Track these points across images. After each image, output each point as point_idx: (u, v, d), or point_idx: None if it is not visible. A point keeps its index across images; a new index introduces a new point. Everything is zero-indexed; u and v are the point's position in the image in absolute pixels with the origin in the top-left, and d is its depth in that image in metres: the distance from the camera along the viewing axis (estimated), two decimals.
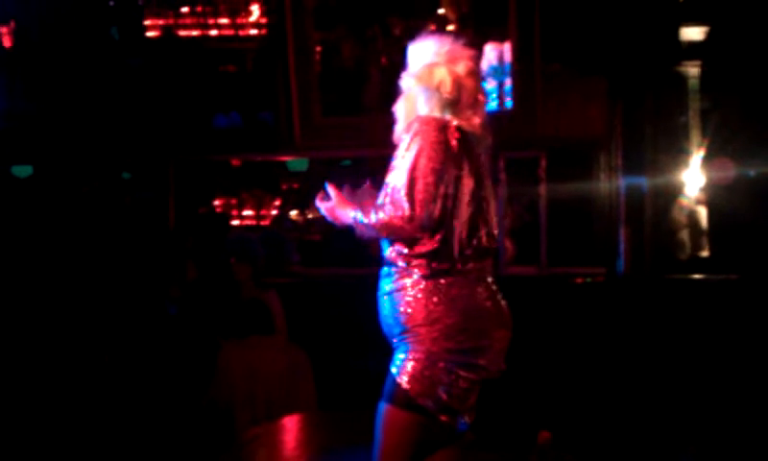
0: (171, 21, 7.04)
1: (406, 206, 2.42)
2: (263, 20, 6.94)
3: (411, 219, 2.42)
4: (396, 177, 2.47)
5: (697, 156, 6.32)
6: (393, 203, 2.45)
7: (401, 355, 2.50)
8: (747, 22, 6.02)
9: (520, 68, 6.04)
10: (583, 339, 5.56)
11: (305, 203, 7.43)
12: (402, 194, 2.43)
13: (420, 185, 2.42)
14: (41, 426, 4.53)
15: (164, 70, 6.79)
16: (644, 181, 6.10)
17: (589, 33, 6.02)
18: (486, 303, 2.53)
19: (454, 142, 2.49)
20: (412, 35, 2.77)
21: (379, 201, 2.50)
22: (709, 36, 6.30)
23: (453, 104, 2.57)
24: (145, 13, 7.00)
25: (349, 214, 2.57)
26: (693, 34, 6.32)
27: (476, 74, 2.64)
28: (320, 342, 5.42)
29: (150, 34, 7.04)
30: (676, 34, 6.28)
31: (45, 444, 4.40)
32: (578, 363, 5.48)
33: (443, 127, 2.50)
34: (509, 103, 6.11)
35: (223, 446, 4.39)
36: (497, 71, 6.14)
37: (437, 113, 2.56)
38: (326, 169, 6.96)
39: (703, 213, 6.41)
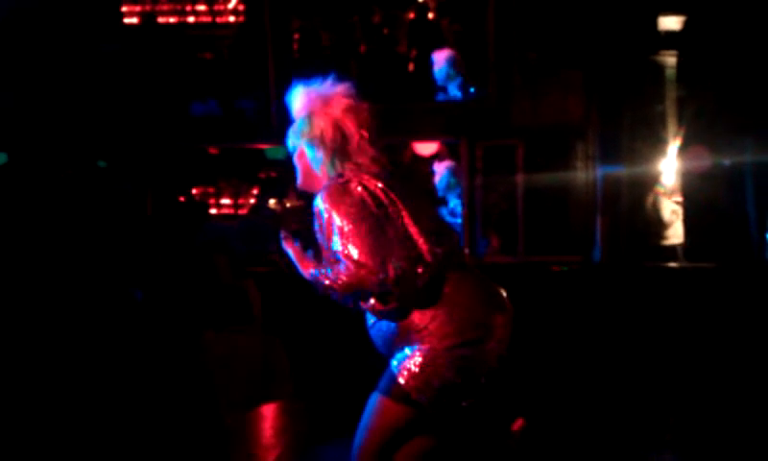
0: (148, 8, 6.99)
1: (356, 266, 2.40)
2: (241, 7, 6.90)
3: (374, 273, 2.40)
4: (340, 247, 2.44)
5: (673, 145, 6.37)
6: (348, 265, 2.42)
7: (406, 351, 2.50)
8: (723, 12, 6.06)
9: (497, 57, 6.05)
10: (560, 326, 5.59)
11: (284, 191, 7.40)
12: (354, 259, 2.41)
13: (365, 248, 2.41)
14: (13, 408, 4.49)
15: (141, 57, 6.74)
16: (621, 170, 6.14)
17: (567, 21, 6.04)
18: (475, 290, 2.53)
19: (359, 193, 2.46)
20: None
21: (337, 262, 2.46)
22: (686, 25, 6.34)
23: (340, 150, 2.56)
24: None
25: (308, 271, 2.57)
26: (670, 23, 6.36)
27: (355, 109, 2.60)
28: (297, 331, 5.41)
29: (127, 20, 6.98)
30: (653, 23, 6.31)
31: (18, 425, 4.36)
32: (554, 350, 5.51)
33: (343, 188, 2.48)
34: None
35: (201, 434, 4.38)
36: (450, 76, 6.15)
37: (328, 165, 2.57)
38: None
39: (678, 202, 6.46)
